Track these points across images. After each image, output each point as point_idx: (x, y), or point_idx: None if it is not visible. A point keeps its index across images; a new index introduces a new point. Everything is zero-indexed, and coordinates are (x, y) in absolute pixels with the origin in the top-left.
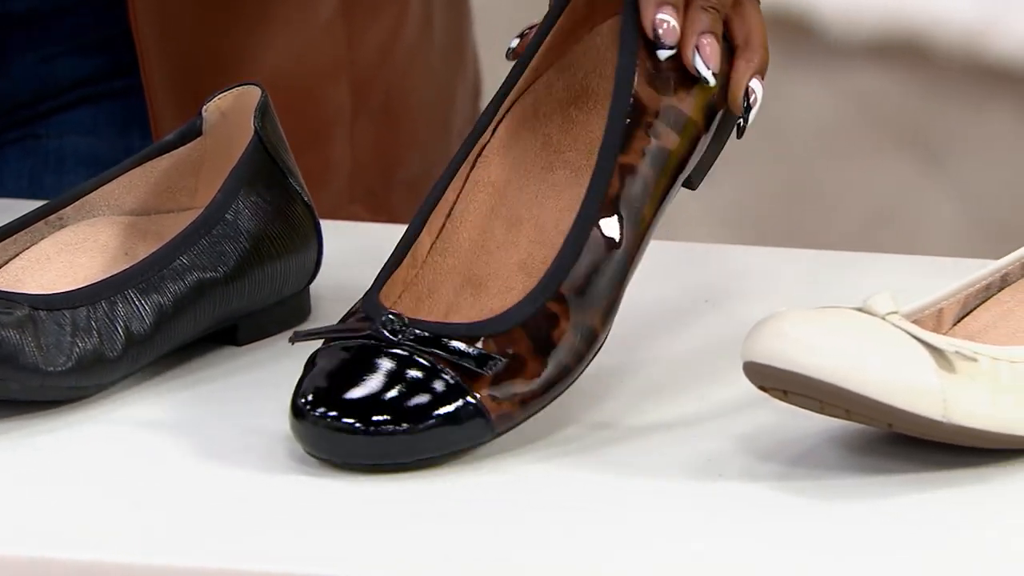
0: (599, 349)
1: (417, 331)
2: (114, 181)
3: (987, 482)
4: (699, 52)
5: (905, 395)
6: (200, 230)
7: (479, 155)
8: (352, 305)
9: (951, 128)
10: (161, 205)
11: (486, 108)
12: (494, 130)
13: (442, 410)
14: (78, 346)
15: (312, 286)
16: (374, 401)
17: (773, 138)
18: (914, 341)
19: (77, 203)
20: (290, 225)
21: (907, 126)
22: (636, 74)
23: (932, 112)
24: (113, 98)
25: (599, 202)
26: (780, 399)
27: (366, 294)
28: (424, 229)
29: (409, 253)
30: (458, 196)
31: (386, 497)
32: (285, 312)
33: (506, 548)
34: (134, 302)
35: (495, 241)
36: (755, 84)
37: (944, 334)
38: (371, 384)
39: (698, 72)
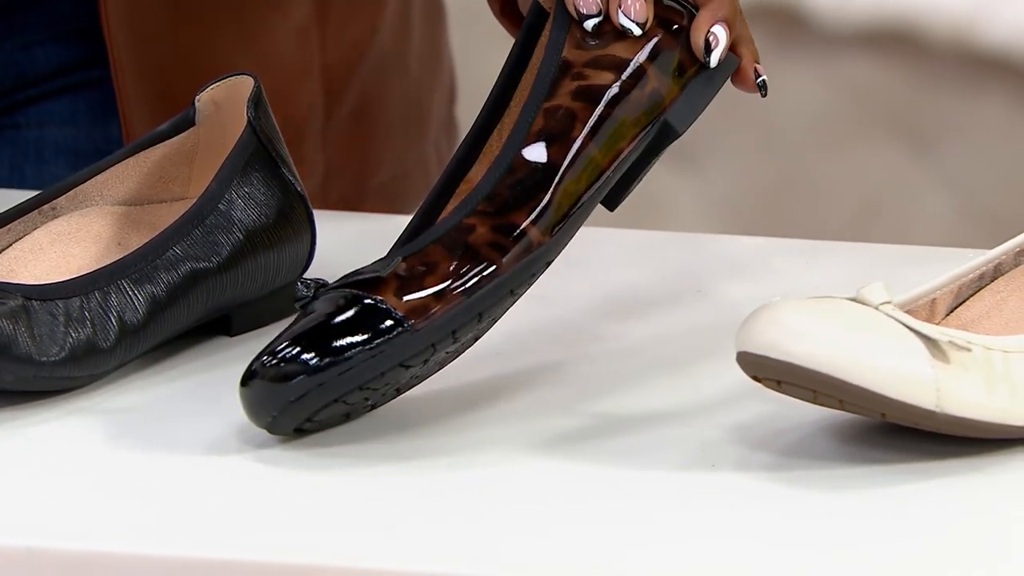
0: (541, 256)
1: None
2: (107, 171)
3: (980, 472)
4: (622, 11)
5: (898, 385)
6: (193, 220)
7: (467, 183)
8: None
9: (942, 117)
10: (154, 195)
11: (464, 141)
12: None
13: (341, 316)
14: (71, 336)
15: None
16: (292, 341)
17: (764, 128)
18: (907, 331)
19: (70, 193)
20: (283, 215)
21: (898, 115)
22: (564, 43)
23: (923, 101)
24: (92, 87)
25: (521, 136)
26: (774, 389)
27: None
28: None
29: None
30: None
31: (380, 488)
32: (278, 302)
33: (498, 538)
34: (127, 292)
35: None
36: (717, 29)
37: (937, 324)
38: (289, 334)
39: (623, 27)
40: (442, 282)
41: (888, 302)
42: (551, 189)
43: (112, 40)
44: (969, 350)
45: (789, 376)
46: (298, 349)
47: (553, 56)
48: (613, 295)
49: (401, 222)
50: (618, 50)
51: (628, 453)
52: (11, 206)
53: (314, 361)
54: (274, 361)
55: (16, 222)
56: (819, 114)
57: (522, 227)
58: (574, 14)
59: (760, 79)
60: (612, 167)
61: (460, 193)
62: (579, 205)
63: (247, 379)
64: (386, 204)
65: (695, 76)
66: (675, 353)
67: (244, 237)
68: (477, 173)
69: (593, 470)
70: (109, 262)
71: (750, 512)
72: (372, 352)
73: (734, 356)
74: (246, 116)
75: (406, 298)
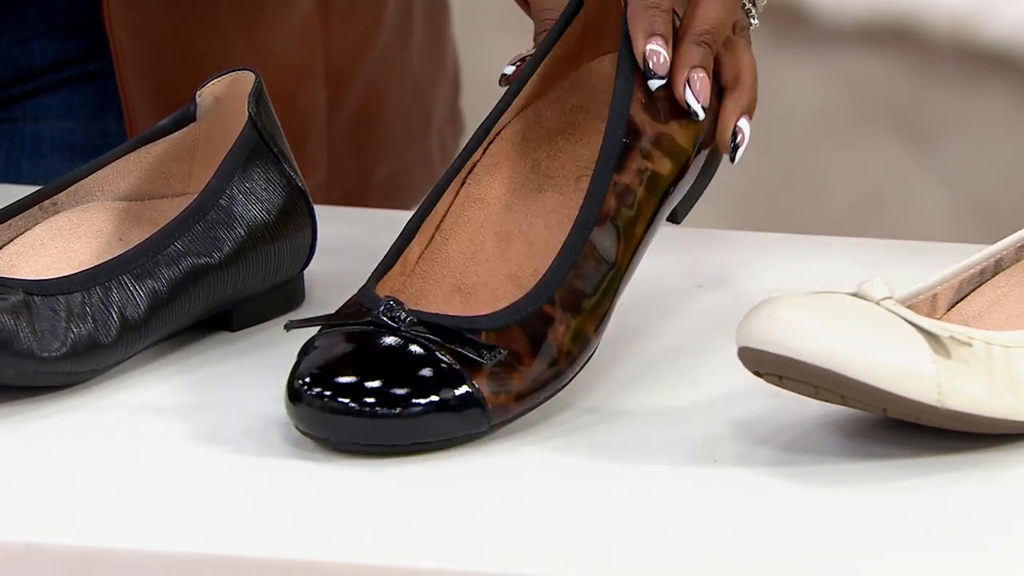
0: (591, 357)
1: (417, 318)
2: (108, 166)
3: (982, 467)
4: (689, 86)
5: (900, 380)
6: (194, 216)
7: (470, 172)
8: (344, 303)
9: (942, 113)
10: (155, 190)
11: (480, 126)
12: (485, 149)
13: (438, 396)
14: (73, 332)
15: (306, 272)
16: (369, 383)
17: (764, 123)
18: (909, 326)
19: (71, 188)
20: (284, 211)
21: (899, 111)
22: (632, 99)
23: (923, 97)
24: (88, 81)
25: (595, 216)
26: (775, 384)
27: (360, 290)
28: (415, 238)
29: (399, 260)
30: (448, 209)
31: (380, 483)
32: (279, 298)
33: (498, 534)
34: (128, 288)
35: (485, 254)
36: (743, 124)
37: (939, 319)
38: (368, 367)
39: (688, 105)
40: (523, 382)
41: (889, 297)
42: (613, 296)
43: (114, 35)
44: (970, 345)
45: (790, 371)
46: (383, 401)
47: (620, 113)
48: None
49: (403, 217)
50: (677, 133)
51: (629, 448)
52: (8, 201)
53: (394, 433)
54: (354, 403)
55: (17, 218)
56: (819, 109)
57: (590, 337)
58: (640, 64)
59: (736, 146)
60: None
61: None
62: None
63: (308, 400)
64: (388, 200)
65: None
66: (676, 348)
67: (245, 232)
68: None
69: (594, 465)
70: (110, 257)
71: (752, 507)
72: (449, 438)
73: (735, 351)
74: (247, 111)
75: (496, 395)
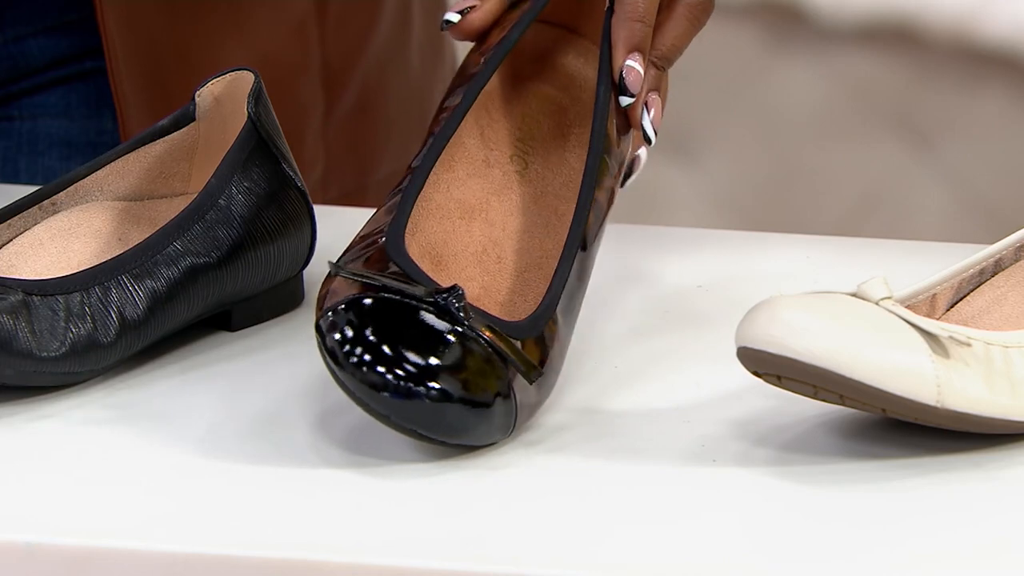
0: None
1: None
2: (107, 166)
3: (981, 467)
4: (647, 111)
5: (899, 380)
6: (194, 215)
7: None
8: (354, 241)
9: (941, 112)
10: (155, 190)
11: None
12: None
13: (485, 395)
14: (72, 331)
15: (306, 271)
16: (427, 364)
17: (764, 123)
18: (908, 326)
19: (70, 188)
20: (284, 210)
21: (897, 110)
22: (609, 112)
23: (922, 96)
24: (84, 79)
25: (581, 238)
26: (774, 384)
27: (388, 244)
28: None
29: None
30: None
31: (381, 483)
32: (279, 298)
33: (496, 534)
34: (128, 287)
35: (452, 224)
36: (641, 152)
37: (938, 319)
38: (427, 347)
39: (643, 129)
40: (538, 395)
41: (888, 297)
42: (579, 308)
43: (107, 33)
44: (969, 345)
45: (789, 371)
46: (434, 384)
47: (600, 124)
48: (612, 290)
49: None
50: (627, 149)
51: (628, 448)
52: (6, 201)
53: (427, 419)
54: (402, 383)
55: (16, 217)
56: (818, 109)
57: (566, 347)
58: (616, 77)
59: (647, 130)
60: None
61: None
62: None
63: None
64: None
65: None
66: (675, 348)
67: (244, 232)
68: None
69: (593, 465)
70: (109, 257)
71: (751, 507)
72: (472, 437)
73: (734, 351)
74: (247, 111)
75: (522, 408)
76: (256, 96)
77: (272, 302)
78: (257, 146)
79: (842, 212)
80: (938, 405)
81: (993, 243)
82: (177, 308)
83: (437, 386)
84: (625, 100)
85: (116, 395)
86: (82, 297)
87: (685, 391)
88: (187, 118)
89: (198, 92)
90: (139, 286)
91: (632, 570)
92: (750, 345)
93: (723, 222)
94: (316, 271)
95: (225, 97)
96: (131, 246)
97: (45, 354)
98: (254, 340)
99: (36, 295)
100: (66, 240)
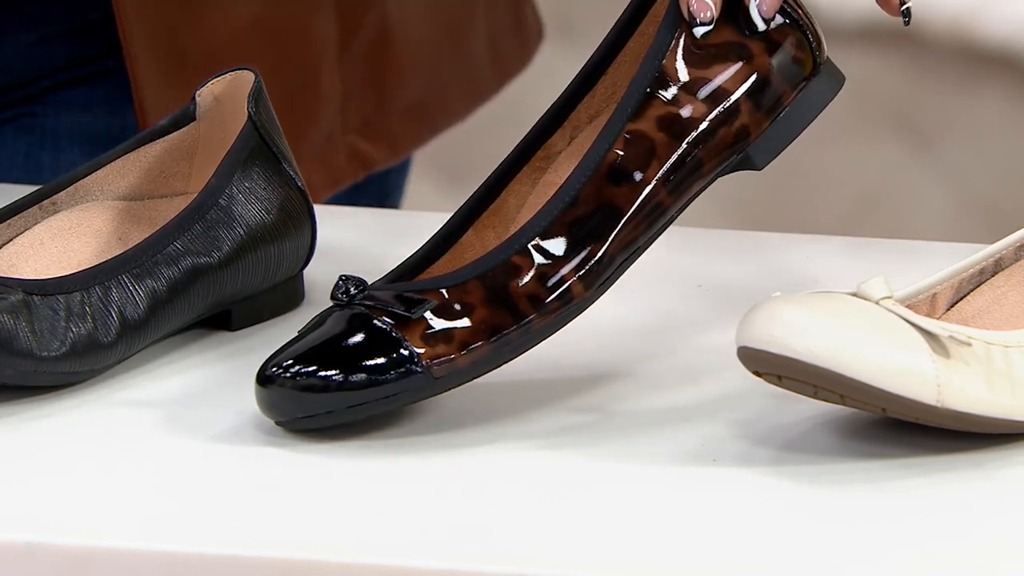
0: (577, 309)
1: (374, 292)
2: (108, 166)
3: (981, 467)
4: (756, 4)
5: (899, 380)
6: (194, 215)
7: (548, 158)
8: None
9: (941, 112)
10: (155, 190)
11: (552, 108)
12: (572, 139)
13: (373, 360)
14: (72, 331)
15: (306, 271)
16: (310, 356)
17: None
18: (908, 326)
19: (71, 188)
20: (284, 210)
21: (897, 110)
22: (668, 49)
23: (922, 96)
24: (107, 77)
25: (596, 162)
26: (774, 384)
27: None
28: (471, 229)
29: (449, 252)
30: (524, 202)
31: (381, 483)
32: (279, 297)
33: (497, 532)
34: (128, 287)
35: None
36: None
37: (938, 319)
38: (312, 341)
39: (750, 18)
40: (472, 336)
41: (888, 297)
42: (609, 239)
43: (125, 30)
44: (970, 345)
45: (790, 371)
46: (314, 368)
47: (652, 63)
48: (612, 289)
49: (402, 217)
50: (718, 75)
51: (629, 448)
52: (7, 201)
53: (326, 392)
54: (290, 375)
55: (16, 217)
56: None
57: (568, 283)
58: (685, 14)
59: (905, 6)
60: (676, 207)
61: (541, 183)
62: (632, 253)
63: (263, 381)
64: (415, 120)
65: (788, 108)
66: (675, 347)
67: (245, 232)
68: (561, 168)
69: (593, 464)
70: (110, 257)
71: (751, 506)
72: (386, 396)
73: (734, 351)
74: (247, 111)
75: (432, 345)
76: (256, 96)
77: (272, 302)
78: (257, 146)
79: (842, 212)
80: (938, 405)
81: (993, 243)
82: (177, 308)
83: (313, 368)
84: (700, 30)
85: (116, 395)
86: (82, 297)
87: (685, 391)
88: (187, 118)
89: (198, 92)
90: (139, 286)
91: (632, 570)
92: (750, 345)
93: (722, 220)
94: (316, 271)
95: (225, 97)
96: (131, 246)
97: (45, 354)
98: (254, 340)
99: (36, 295)
100: (66, 240)
